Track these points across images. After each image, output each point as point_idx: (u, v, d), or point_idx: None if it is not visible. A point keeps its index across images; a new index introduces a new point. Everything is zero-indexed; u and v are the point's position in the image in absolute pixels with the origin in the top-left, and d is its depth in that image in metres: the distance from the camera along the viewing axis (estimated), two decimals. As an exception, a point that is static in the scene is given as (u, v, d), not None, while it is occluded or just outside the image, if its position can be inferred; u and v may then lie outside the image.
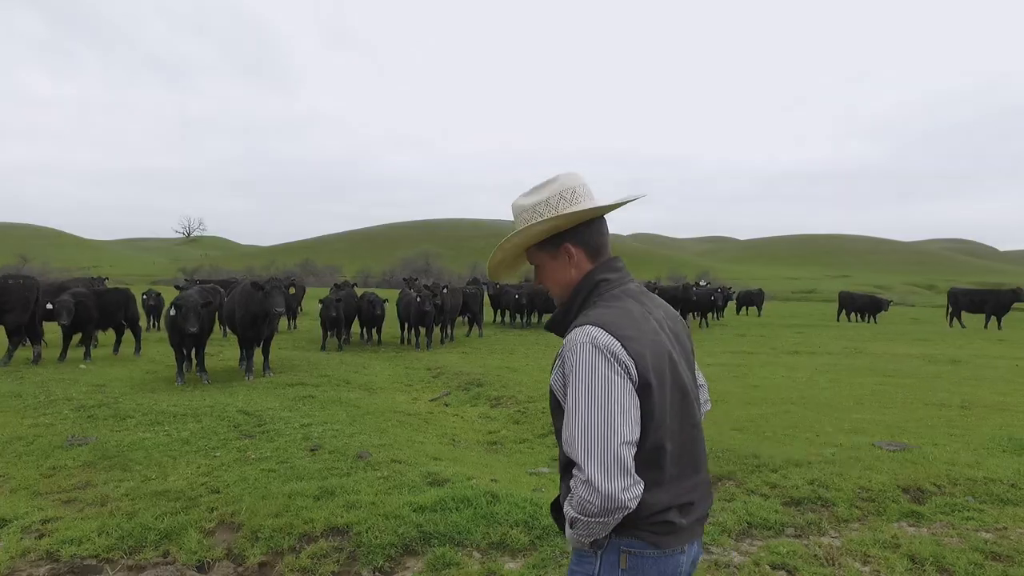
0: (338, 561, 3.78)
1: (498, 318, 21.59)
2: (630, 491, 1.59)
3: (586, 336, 1.64)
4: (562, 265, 1.86)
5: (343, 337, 14.12)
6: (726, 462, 5.44)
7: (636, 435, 1.62)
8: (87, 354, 10.92)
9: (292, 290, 9.42)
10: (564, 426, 1.65)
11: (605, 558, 1.73)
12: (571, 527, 1.70)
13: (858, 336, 18.79)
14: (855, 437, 6.31)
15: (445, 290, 14.13)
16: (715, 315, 22.56)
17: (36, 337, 10.53)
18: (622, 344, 1.63)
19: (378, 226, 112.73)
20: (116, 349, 12.09)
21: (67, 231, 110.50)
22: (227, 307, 9.78)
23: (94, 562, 3.84)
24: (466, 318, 17.71)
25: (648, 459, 1.67)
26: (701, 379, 1.99)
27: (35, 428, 6.34)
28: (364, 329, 14.91)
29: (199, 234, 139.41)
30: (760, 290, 30.55)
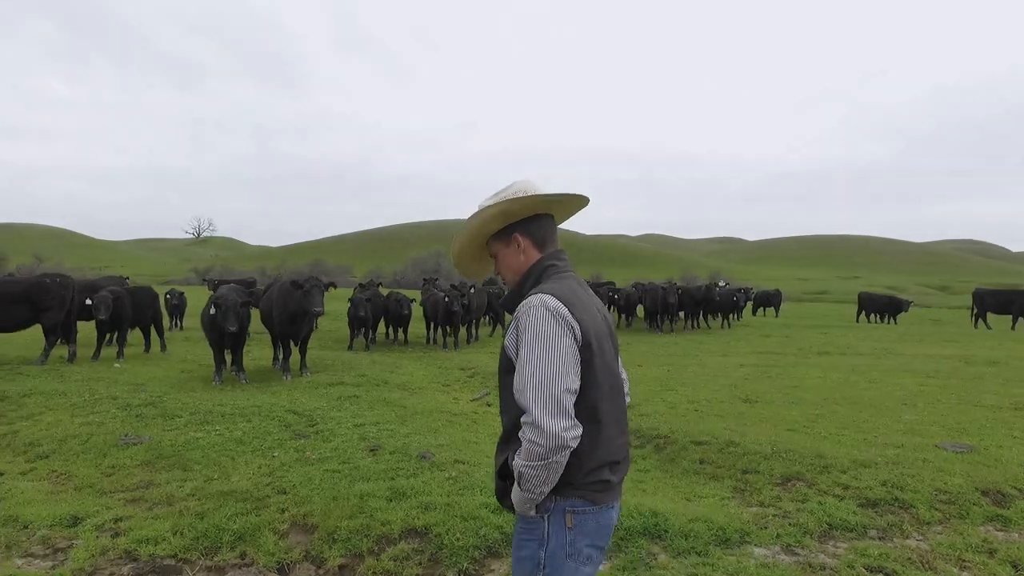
0: (420, 564, 3.72)
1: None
2: (571, 432, 1.82)
3: (539, 300, 1.91)
4: (513, 252, 2.16)
5: (370, 337, 14.08)
6: (792, 462, 5.36)
7: (576, 385, 1.87)
8: (120, 353, 10.90)
9: (333, 289, 9.36)
10: (516, 377, 1.88)
11: (552, 520, 1.93)
12: (520, 485, 1.88)
13: (884, 337, 18.62)
14: (913, 438, 6.21)
15: (472, 290, 14.06)
16: (735, 316, 22.40)
17: (71, 336, 10.53)
18: (568, 309, 1.90)
19: (389, 226, 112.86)
20: (147, 348, 12.08)
21: (79, 231, 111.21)
22: (264, 305, 9.74)
23: (172, 562, 3.80)
24: (489, 318, 17.66)
25: (586, 415, 1.89)
26: (624, 375, 2.22)
27: (87, 426, 6.31)
28: (391, 329, 14.86)
29: (209, 234, 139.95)
30: (777, 291, 30.37)
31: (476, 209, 2.16)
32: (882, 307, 25.80)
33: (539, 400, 1.81)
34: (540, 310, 1.89)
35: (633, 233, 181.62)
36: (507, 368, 2.00)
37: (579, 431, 1.85)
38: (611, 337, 2.11)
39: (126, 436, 5.95)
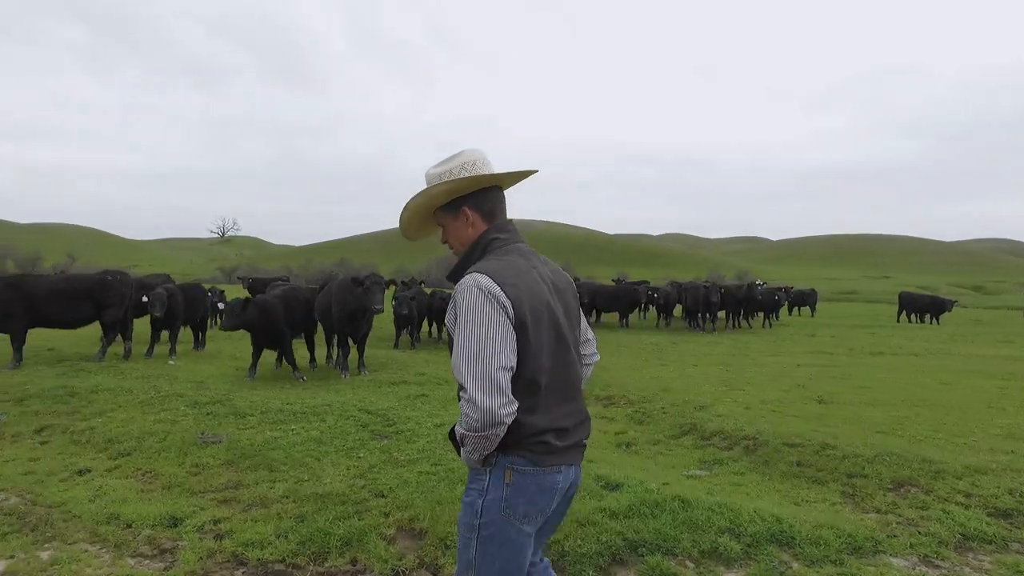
0: (542, 570, 3.55)
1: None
2: (505, 408, 1.88)
3: (472, 280, 1.94)
4: (461, 225, 2.18)
5: (415, 335, 13.97)
6: (899, 467, 5.11)
7: (511, 362, 1.91)
8: (173, 350, 10.89)
9: (394, 287, 9.22)
10: (453, 355, 1.95)
11: (493, 473, 2.01)
12: (462, 445, 1.99)
13: (934, 337, 18.17)
14: (1018, 443, 5.94)
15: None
16: (775, 315, 22.01)
17: (128, 333, 10.53)
18: (502, 288, 1.93)
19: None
20: (196, 345, 12.07)
21: (107, 231, 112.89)
22: (321, 303, 9.63)
23: (282, 567, 3.66)
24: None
25: (525, 388, 1.96)
26: (590, 335, 2.33)
27: (161, 424, 6.23)
28: (436, 327, 14.74)
29: (233, 234, 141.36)
30: (813, 290, 29.87)
31: (424, 176, 2.20)
32: (924, 307, 25.22)
33: (474, 379, 1.88)
34: (473, 290, 1.93)
35: (654, 232, 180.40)
36: (452, 343, 2.05)
37: (514, 407, 1.92)
38: (562, 302, 2.14)
39: (203, 434, 5.85)
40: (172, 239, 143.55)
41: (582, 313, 2.31)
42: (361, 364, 9.39)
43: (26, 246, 57.67)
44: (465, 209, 2.16)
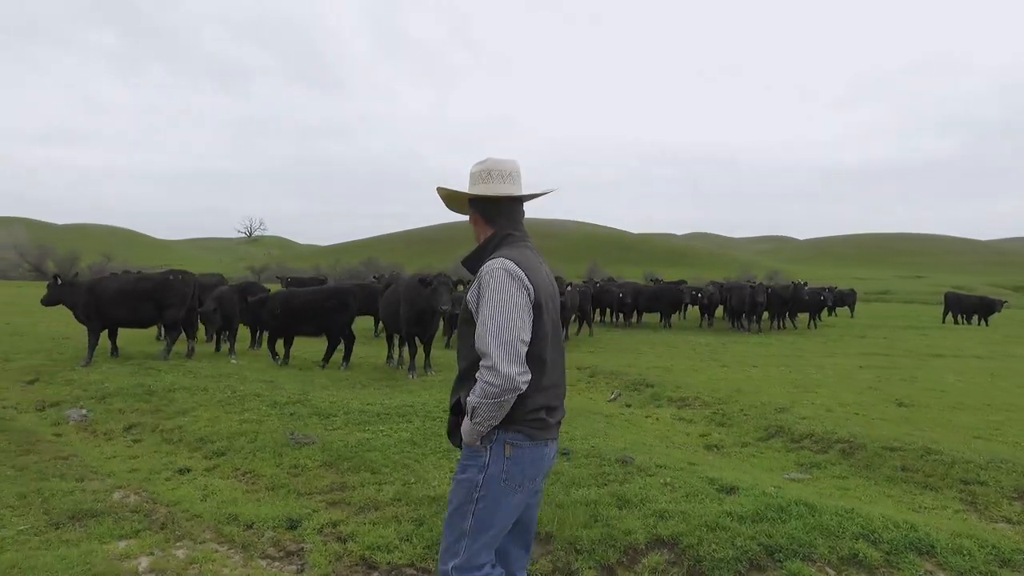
0: (681, 576, 3.47)
1: (597, 317, 21.19)
2: (523, 376, 2.14)
3: (500, 264, 2.22)
4: (475, 222, 2.49)
5: None
6: (1020, 475, 4.95)
7: (528, 336, 2.18)
8: (232, 350, 10.98)
9: (461, 287, 9.20)
10: (478, 328, 2.18)
11: (494, 448, 2.23)
12: (472, 417, 2.19)
13: (988, 339, 17.74)
14: None
15: (569, 287, 13.82)
16: (819, 316, 21.64)
17: (192, 332, 10.64)
18: (524, 272, 2.21)
19: (436, 226, 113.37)
20: (253, 344, 12.16)
21: (138, 231, 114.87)
22: (387, 303, 9.64)
23: (413, 571, 3.64)
24: (574, 317, 17.38)
25: (535, 363, 2.20)
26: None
27: (247, 424, 6.24)
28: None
29: (260, 234, 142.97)
30: (852, 290, 29.34)
31: (467, 172, 2.53)
32: (972, 308, 24.64)
33: (498, 347, 2.12)
34: (501, 272, 2.20)
35: (679, 232, 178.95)
36: (466, 319, 2.34)
37: (528, 376, 2.18)
38: (556, 301, 2.43)
39: (293, 435, 5.85)
40: (201, 239, 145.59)
41: None
42: (427, 364, 9.37)
43: (64, 246, 58.75)
44: (473, 211, 2.52)
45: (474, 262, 2.42)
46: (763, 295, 18.00)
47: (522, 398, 2.20)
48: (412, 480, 4.77)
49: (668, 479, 4.59)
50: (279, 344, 10.55)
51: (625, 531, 3.80)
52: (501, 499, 2.26)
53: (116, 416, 6.85)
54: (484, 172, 2.44)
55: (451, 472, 4.95)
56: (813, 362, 12.19)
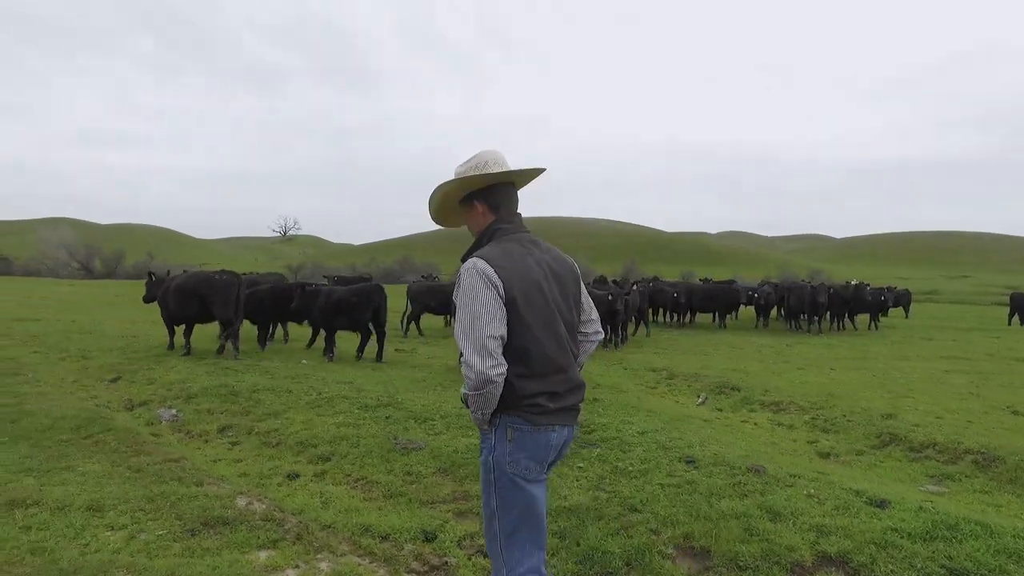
0: (863, 600, 3.22)
1: (651, 317, 20.85)
2: (494, 369, 2.20)
3: (471, 264, 2.30)
4: (476, 215, 2.54)
5: (621, 333, 13.74)
6: None
7: (500, 331, 2.22)
8: (311, 344, 10.94)
9: None
10: (455, 326, 2.29)
11: (498, 432, 2.33)
12: (466, 405, 2.33)
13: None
14: None
15: (635, 287, 13.54)
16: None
17: (235, 330, 10.72)
18: (495, 271, 2.26)
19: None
20: (312, 343, 12.13)
21: (177, 230, 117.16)
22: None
23: (569, 588, 3.43)
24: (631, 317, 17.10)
25: (517, 356, 2.27)
26: (593, 315, 2.62)
27: (345, 428, 6.12)
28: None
29: (294, 233, 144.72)
30: (907, 291, 28.50)
31: (452, 175, 2.54)
32: (1038, 308, 23.70)
33: (468, 344, 2.23)
34: (471, 271, 2.28)
35: (712, 231, 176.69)
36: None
37: (502, 368, 2.23)
38: (559, 284, 2.45)
39: (397, 440, 5.70)
40: (237, 238, 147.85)
41: (586, 294, 2.63)
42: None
43: (109, 246, 60.08)
44: (476, 203, 2.54)
45: (465, 258, 2.48)
46: (824, 295, 17.50)
47: (512, 387, 2.29)
48: (537, 489, 4.57)
49: (810, 490, 4.33)
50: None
51: (787, 547, 3.55)
52: (514, 480, 2.35)
53: (206, 417, 6.79)
54: (478, 163, 2.50)
55: (577, 481, 4.76)
56: (890, 365, 11.76)
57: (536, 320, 2.32)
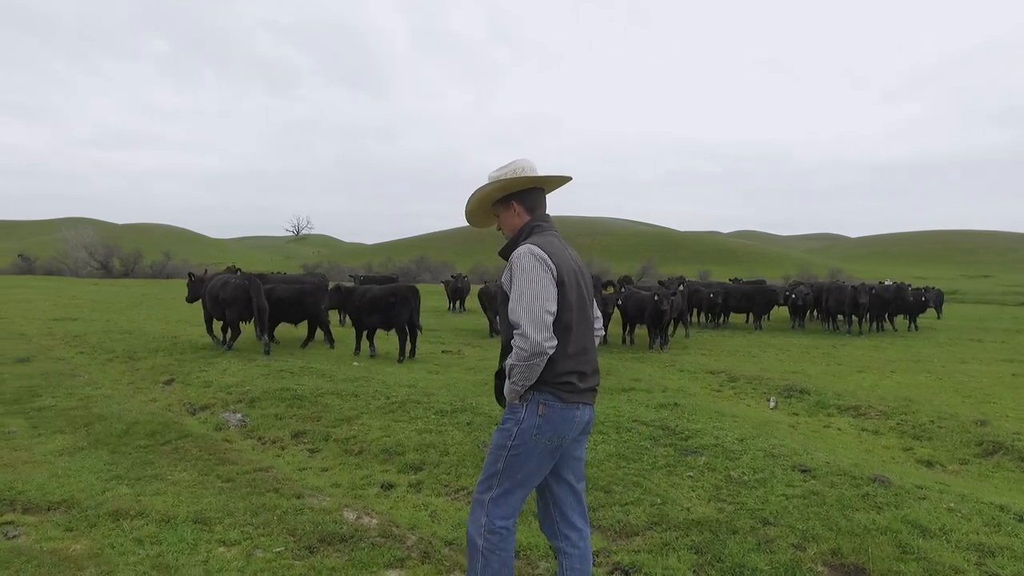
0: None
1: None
2: (548, 341, 2.47)
3: (527, 249, 2.57)
4: (511, 215, 2.79)
5: (662, 336, 13.53)
6: None
7: (554, 308, 2.52)
8: (365, 348, 10.79)
9: (610, 289, 8.77)
10: (511, 303, 2.54)
11: (529, 407, 2.56)
12: (510, 377, 2.55)
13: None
14: None
15: (682, 287, 13.28)
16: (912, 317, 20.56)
17: (232, 331, 11.06)
18: (548, 255, 2.56)
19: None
20: (358, 349, 11.95)
21: (191, 230, 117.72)
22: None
23: (726, 611, 3.21)
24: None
25: (561, 334, 2.53)
26: (598, 312, 2.83)
27: (427, 435, 5.90)
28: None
29: (307, 232, 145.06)
30: (939, 291, 27.99)
31: (486, 179, 2.78)
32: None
33: (527, 318, 2.45)
34: (528, 255, 2.53)
35: (724, 230, 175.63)
36: (504, 300, 2.62)
37: (554, 342, 2.48)
38: (585, 279, 2.74)
39: (486, 446, 5.49)
40: (251, 237, 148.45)
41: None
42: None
43: (127, 245, 60.32)
44: (514, 203, 2.78)
45: (508, 251, 2.71)
46: (866, 296, 17.15)
47: (552, 363, 2.51)
48: (657, 500, 4.34)
49: (948, 503, 4.08)
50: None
51: (951, 567, 3.33)
52: (532, 451, 2.56)
53: (275, 422, 6.60)
54: (515, 168, 2.75)
55: (694, 491, 4.53)
56: (950, 368, 11.44)
57: (576, 304, 2.61)
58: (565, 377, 2.54)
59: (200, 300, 11.87)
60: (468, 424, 6.20)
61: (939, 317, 27.26)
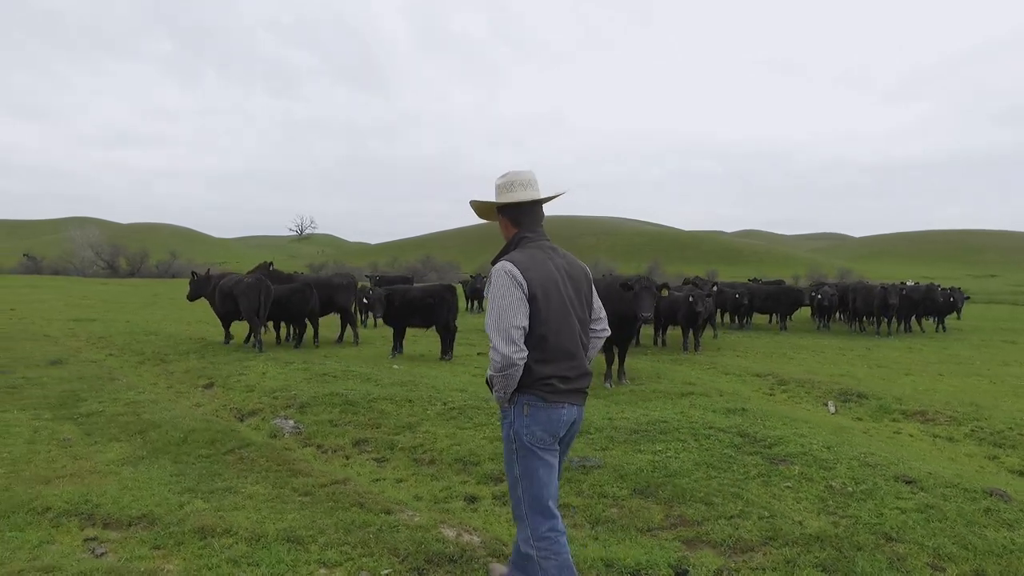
0: None
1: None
2: (517, 353, 2.66)
3: (500, 266, 2.77)
4: (503, 226, 3.01)
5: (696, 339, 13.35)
6: None
7: (523, 323, 2.68)
8: (398, 349, 10.58)
9: (665, 292, 8.54)
10: (485, 318, 2.79)
11: (515, 409, 2.78)
12: (491, 386, 2.79)
13: None
14: None
15: (715, 288, 13.06)
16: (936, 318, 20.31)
17: (257, 329, 11.34)
18: (521, 272, 2.72)
19: (490, 223, 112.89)
20: (397, 346, 11.73)
21: (195, 229, 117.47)
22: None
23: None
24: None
25: (536, 344, 2.72)
26: (602, 314, 3.05)
27: (499, 444, 5.68)
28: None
29: (310, 232, 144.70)
30: (960, 291, 27.71)
31: (493, 180, 3.01)
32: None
33: (496, 333, 2.66)
34: (499, 272, 2.71)
35: (728, 229, 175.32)
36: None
37: (524, 354, 2.66)
38: (574, 286, 2.86)
39: (576, 458, 5.26)
40: (254, 237, 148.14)
41: (595, 295, 3.03)
42: (622, 373, 8.73)
43: (132, 245, 60.11)
44: (501, 216, 2.98)
45: (494, 262, 2.85)
46: (896, 296, 16.92)
47: (530, 369, 2.69)
48: (765, 513, 4.12)
49: (1090, 523, 3.86)
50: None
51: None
52: (531, 449, 2.73)
53: (330, 429, 6.37)
54: (507, 184, 2.93)
55: (798, 503, 4.31)
56: (997, 371, 11.22)
57: (553, 314, 2.74)
58: (545, 381, 2.72)
59: (200, 298, 12.94)
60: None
61: (959, 318, 26.99)
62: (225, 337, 11.96)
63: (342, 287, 12.82)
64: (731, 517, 4.10)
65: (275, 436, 6.31)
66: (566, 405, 2.76)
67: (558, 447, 2.81)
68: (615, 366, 8.62)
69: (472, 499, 4.66)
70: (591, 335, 2.97)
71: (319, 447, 6.02)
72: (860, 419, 7.49)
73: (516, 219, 2.93)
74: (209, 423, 6.25)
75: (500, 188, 2.93)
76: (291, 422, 6.70)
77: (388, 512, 4.17)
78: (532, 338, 2.68)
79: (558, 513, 2.82)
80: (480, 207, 3.04)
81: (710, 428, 5.87)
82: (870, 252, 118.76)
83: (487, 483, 4.94)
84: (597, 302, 3.03)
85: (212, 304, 12.32)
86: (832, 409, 7.86)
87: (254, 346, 10.97)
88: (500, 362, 2.63)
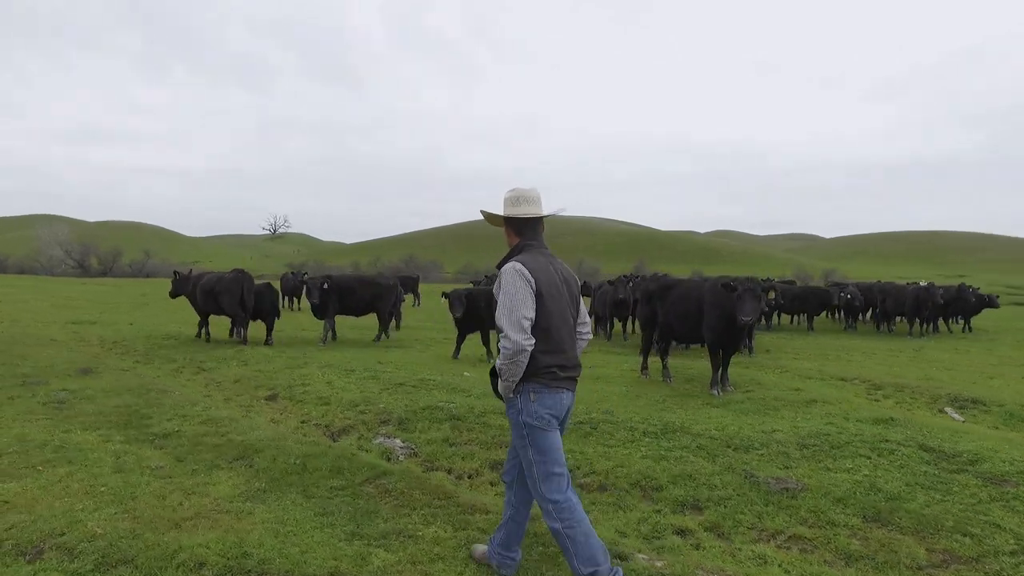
0: None
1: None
2: (527, 341, 2.94)
3: (511, 266, 3.07)
4: (507, 235, 3.34)
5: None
6: None
7: (532, 314, 2.99)
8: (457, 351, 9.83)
9: (772, 295, 7.94)
10: (496, 311, 3.04)
11: (522, 396, 3.04)
12: (500, 376, 3.06)
13: None
14: None
15: (774, 291, 12.55)
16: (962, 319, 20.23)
17: (242, 322, 11.97)
18: (528, 271, 3.04)
19: (474, 222, 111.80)
20: (490, 354, 10.97)
21: (167, 228, 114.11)
22: (681, 309, 8.53)
23: None
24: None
25: (541, 336, 3.01)
26: (586, 318, 3.38)
27: (666, 463, 4.99)
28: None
29: (284, 231, 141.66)
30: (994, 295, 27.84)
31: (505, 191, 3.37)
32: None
33: (508, 322, 2.96)
34: (511, 270, 3.05)
35: (701, 230, 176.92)
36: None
37: (532, 341, 2.96)
38: (568, 291, 3.24)
39: (754, 476, 4.61)
40: (227, 235, 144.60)
41: (581, 301, 3.35)
42: (726, 379, 8.10)
43: (101, 243, 57.77)
44: (505, 227, 3.34)
45: (500, 266, 3.15)
46: (939, 296, 16.69)
47: (535, 358, 2.99)
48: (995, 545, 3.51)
49: None
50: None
51: None
52: (539, 429, 3.02)
53: (446, 449, 5.63)
54: (514, 198, 3.24)
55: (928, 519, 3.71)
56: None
57: (555, 310, 3.07)
58: (548, 369, 3.02)
59: (181, 296, 13.42)
60: (700, 448, 5.31)
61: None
62: (198, 333, 12.57)
63: (388, 287, 12.77)
64: (1012, 552, 3.50)
65: (389, 459, 5.52)
66: (564, 391, 3.09)
67: (559, 428, 3.11)
68: (720, 373, 8.00)
69: (681, 532, 3.98)
70: (578, 337, 3.30)
71: (449, 471, 5.26)
72: (997, 428, 6.98)
73: (520, 230, 3.26)
74: (322, 447, 5.44)
75: (508, 201, 3.26)
76: (398, 441, 5.93)
77: (622, 558, 3.46)
78: (537, 330, 3.00)
79: (571, 486, 3.09)
80: (490, 217, 3.36)
81: (884, 441, 5.30)
82: (843, 252, 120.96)
83: (683, 512, 4.26)
84: (583, 308, 3.35)
85: (192, 301, 12.76)
86: (960, 418, 7.34)
87: (239, 339, 11.84)
88: (511, 348, 2.92)
